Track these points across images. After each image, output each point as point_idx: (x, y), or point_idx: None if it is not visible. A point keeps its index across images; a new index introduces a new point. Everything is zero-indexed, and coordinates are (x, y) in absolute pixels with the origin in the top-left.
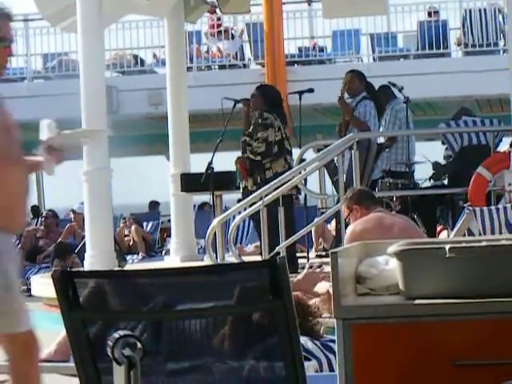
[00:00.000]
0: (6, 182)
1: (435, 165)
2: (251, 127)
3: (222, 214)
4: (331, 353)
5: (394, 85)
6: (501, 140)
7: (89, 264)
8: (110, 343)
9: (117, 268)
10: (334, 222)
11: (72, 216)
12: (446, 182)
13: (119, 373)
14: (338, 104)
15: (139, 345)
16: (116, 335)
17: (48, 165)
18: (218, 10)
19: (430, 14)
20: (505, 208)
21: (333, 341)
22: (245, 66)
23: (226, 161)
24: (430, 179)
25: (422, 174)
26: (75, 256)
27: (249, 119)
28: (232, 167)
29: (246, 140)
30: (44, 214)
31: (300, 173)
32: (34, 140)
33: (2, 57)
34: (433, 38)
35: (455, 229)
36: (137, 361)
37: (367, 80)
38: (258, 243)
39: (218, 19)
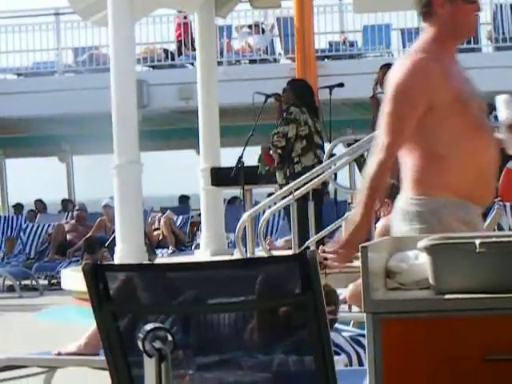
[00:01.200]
0: (480, 153)
1: None
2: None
3: (252, 208)
4: (361, 347)
5: None
6: None
7: (119, 258)
8: (141, 336)
9: (147, 262)
10: None
11: (103, 210)
12: None
13: (150, 365)
14: (370, 101)
15: (170, 337)
16: (146, 328)
17: (510, 144)
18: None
19: None
20: None
21: (362, 335)
22: (275, 60)
23: (256, 155)
24: None
25: None
26: (105, 250)
27: (282, 113)
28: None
29: (275, 133)
30: (76, 208)
31: (330, 167)
32: (65, 133)
33: None
34: None
35: (485, 224)
36: (167, 353)
37: None
38: (287, 237)
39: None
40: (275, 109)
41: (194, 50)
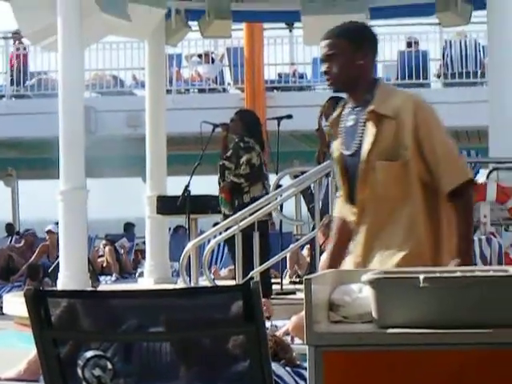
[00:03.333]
0: None
1: None
2: (230, 151)
3: (197, 238)
4: (303, 380)
5: None
6: (478, 172)
7: (62, 284)
8: (81, 363)
9: (90, 289)
10: (306, 249)
11: (47, 236)
12: None
13: None
14: (316, 134)
15: (110, 365)
16: (87, 355)
17: None
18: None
19: (409, 44)
20: (480, 240)
21: (304, 368)
22: (224, 90)
23: (203, 184)
24: None
25: None
26: (47, 278)
27: (226, 143)
28: (209, 191)
29: (224, 164)
30: (25, 234)
31: (276, 198)
32: (11, 157)
33: None
34: (413, 68)
35: None
36: (107, 381)
37: None
38: (232, 267)
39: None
40: (222, 138)
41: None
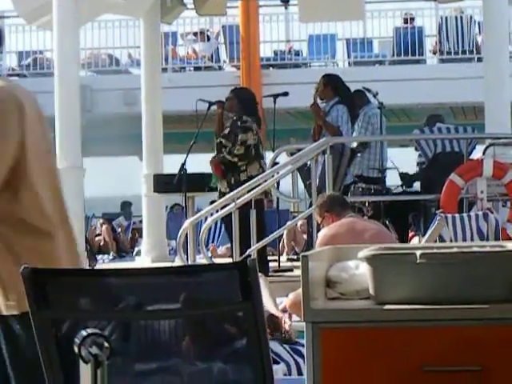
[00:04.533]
0: None
1: (402, 175)
2: (227, 129)
3: (194, 216)
4: (300, 356)
5: (369, 90)
6: (474, 148)
7: None
8: (77, 341)
9: (87, 267)
10: (300, 225)
11: None
12: (418, 188)
13: (85, 371)
14: (311, 109)
15: (106, 344)
16: (83, 333)
17: None
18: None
19: (406, 21)
20: (476, 215)
21: (302, 345)
22: (220, 68)
23: (199, 162)
24: (401, 186)
25: (395, 180)
26: None
27: (222, 121)
28: (205, 169)
29: (221, 142)
30: None
31: (273, 176)
32: None
33: None
34: (408, 44)
35: (426, 235)
36: (103, 359)
37: (343, 84)
38: (229, 245)
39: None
40: (217, 116)
41: None
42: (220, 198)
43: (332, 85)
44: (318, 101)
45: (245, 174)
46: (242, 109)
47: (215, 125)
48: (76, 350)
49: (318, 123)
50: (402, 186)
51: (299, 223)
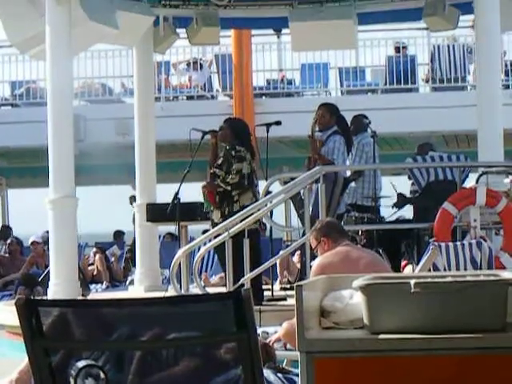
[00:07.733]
0: None
1: (399, 195)
2: (220, 159)
3: (187, 245)
4: None
5: (366, 117)
6: (467, 176)
7: (52, 293)
8: (73, 373)
9: (80, 297)
10: (297, 255)
11: (31, 247)
12: (411, 216)
13: None
14: (309, 140)
15: (102, 375)
16: (79, 365)
17: None
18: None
19: (397, 49)
20: (470, 244)
21: (296, 374)
22: (213, 97)
23: (192, 192)
24: (392, 207)
25: (388, 209)
26: (39, 287)
27: (216, 151)
28: (198, 198)
29: (215, 172)
30: (8, 241)
31: (266, 205)
32: (1, 166)
33: None
34: (401, 72)
35: (420, 264)
36: None
37: (339, 113)
38: (222, 274)
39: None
40: (211, 146)
41: None
42: (213, 227)
43: (332, 113)
44: (316, 129)
45: (238, 204)
46: (235, 139)
47: (209, 154)
48: (72, 381)
49: (313, 156)
50: (394, 205)
51: (296, 255)
